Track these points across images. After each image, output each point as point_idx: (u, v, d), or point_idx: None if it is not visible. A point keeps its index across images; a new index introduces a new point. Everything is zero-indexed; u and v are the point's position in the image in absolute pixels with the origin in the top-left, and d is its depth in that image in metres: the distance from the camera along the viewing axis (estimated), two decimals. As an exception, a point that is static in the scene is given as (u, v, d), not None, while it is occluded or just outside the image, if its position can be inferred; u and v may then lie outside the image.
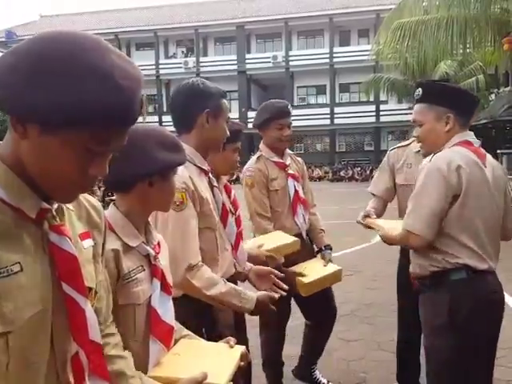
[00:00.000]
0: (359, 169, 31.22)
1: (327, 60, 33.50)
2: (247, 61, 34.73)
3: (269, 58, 34.16)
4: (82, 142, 0.86)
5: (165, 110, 35.23)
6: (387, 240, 2.34)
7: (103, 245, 1.16)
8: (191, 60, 35.39)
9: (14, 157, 0.90)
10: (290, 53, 34.30)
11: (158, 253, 1.46)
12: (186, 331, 1.59)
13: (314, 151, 35.72)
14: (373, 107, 32.48)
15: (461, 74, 20.85)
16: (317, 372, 3.38)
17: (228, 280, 1.95)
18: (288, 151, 3.23)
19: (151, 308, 1.41)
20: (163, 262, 1.49)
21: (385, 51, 15.97)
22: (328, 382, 3.36)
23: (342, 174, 30.61)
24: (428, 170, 2.11)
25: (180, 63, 35.50)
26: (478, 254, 2.06)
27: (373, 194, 3.07)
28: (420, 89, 2.25)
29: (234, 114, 32.91)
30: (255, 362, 2.78)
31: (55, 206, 0.97)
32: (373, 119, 32.70)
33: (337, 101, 34.33)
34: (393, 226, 2.37)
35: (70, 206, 1.04)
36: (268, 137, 3.09)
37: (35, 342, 0.91)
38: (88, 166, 0.89)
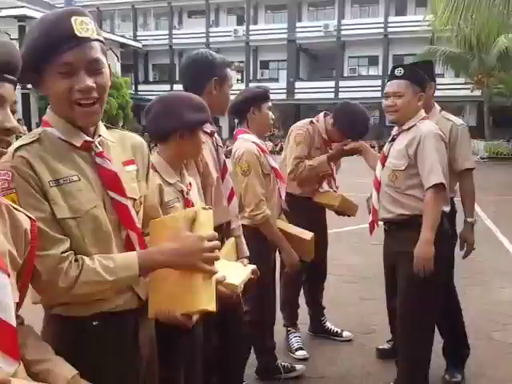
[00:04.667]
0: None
1: (381, 30, 32.45)
2: (297, 29, 34.07)
3: (320, 26, 33.39)
4: None
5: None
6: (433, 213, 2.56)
7: (147, 173, 1.58)
8: (241, 28, 35.09)
9: None
10: (343, 22, 33.39)
11: (189, 190, 1.89)
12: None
13: (362, 124, 34.99)
14: (427, 80, 31.36)
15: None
16: (327, 323, 3.76)
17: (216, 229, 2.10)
18: None
19: None
20: (194, 196, 1.92)
21: (441, 22, 15.30)
22: (342, 330, 3.71)
23: (390, 148, 30.00)
24: (429, 137, 2.60)
25: (230, 31, 35.28)
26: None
27: None
28: (402, 69, 2.73)
29: (281, 84, 32.62)
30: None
31: (97, 139, 1.39)
32: (426, 92, 31.61)
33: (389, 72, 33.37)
34: None
35: (113, 140, 1.46)
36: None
37: (99, 226, 1.35)
38: None
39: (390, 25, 32.12)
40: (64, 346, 1.29)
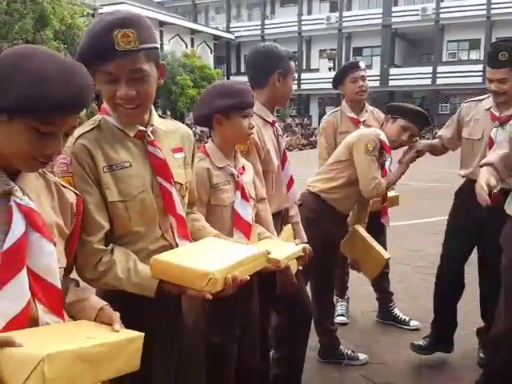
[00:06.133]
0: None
1: (484, 12, 30.42)
2: (393, 14, 32.87)
3: (417, 10, 31.97)
4: (31, 126, 1.11)
5: (304, 67, 35.18)
6: None
7: (192, 160, 1.72)
8: (334, 15, 34.54)
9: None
10: (442, 4, 31.70)
11: (241, 173, 2.02)
12: (268, 234, 2.13)
13: (461, 112, 33.20)
14: (534, 64, 29.06)
15: None
16: (395, 310, 3.79)
17: (276, 215, 2.35)
18: (369, 107, 3.71)
19: (234, 210, 1.97)
20: (246, 179, 2.03)
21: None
22: (409, 319, 3.71)
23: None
24: None
25: (322, 19, 34.87)
26: None
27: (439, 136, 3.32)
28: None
29: (374, 71, 31.74)
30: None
31: (150, 128, 1.53)
32: (533, 77, 29.31)
33: (492, 57, 31.29)
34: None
35: (164, 129, 1.59)
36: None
37: (146, 209, 1.50)
38: (42, 147, 1.14)
39: (493, 6, 29.99)
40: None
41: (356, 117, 3.61)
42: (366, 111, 3.68)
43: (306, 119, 33.58)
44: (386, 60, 32.67)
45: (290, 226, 2.42)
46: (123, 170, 1.47)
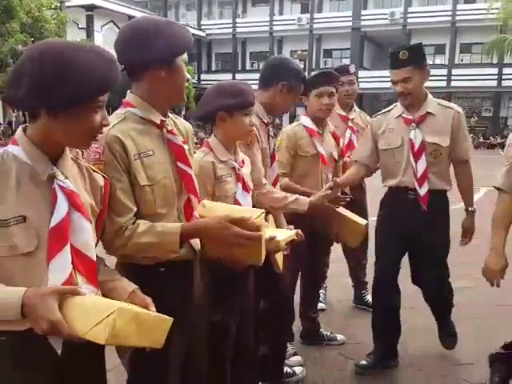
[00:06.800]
0: (472, 135, 29.47)
1: (449, 18, 31.41)
2: (362, 17, 33.61)
3: (386, 14, 32.79)
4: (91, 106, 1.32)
5: (275, 66, 35.43)
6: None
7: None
8: (305, 16, 34.99)
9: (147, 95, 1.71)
10: (409, 9, 32.59)
11: (241, 166, 2.21)
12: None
13: (426, 115, 34.03)
14: (495, 70, 30.18)
15: None
16: (368, 297, 4.04)
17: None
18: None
19: (236, 200, 2.16)
20: (245, 171, 2.23)
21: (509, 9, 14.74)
22: None
23: (452, 140, 28.98)
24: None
25: (293, 20, 35.26)
26: None
27: (355, 161, 3.23)
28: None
29: (344, 73, 32.16)
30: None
31: (167, 120, 1.73)
32: (494, 83, 30.45)
33: (456, 62, 32.29)
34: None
35: (175, 121, 1.82)
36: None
37: (167, 192, 1.70)
38: (101, 120, 1.36)
39: (458, 12, 31.02)
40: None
41: (345, 114, 3.84)
42: (355, 111, 3.96)
43: (277, 119, 33.80)
44: (355, 62, 33.22)
45: (270, 215, 2.59)
46: (147, 158, 1.65)
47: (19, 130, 1.36)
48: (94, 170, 1.50)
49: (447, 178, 3.01)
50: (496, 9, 19.82)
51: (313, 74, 3.19)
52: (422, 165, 2.92)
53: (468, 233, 3.11)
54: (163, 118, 1.71)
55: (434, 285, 3.14)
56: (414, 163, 2.93)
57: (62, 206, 1.31)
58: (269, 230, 2.20)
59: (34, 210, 1.29)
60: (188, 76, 1.78)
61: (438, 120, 2.93)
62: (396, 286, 3.17)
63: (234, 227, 1.63)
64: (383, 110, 3.19)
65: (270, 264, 2.23)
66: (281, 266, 2.04)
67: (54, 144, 1.34)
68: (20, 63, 1.29)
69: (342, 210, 3.06)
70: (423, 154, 2.92)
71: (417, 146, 2.92)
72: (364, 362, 3.18)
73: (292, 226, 2.44)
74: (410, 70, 2.83)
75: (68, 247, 1.31)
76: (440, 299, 3.27)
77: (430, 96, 3.01)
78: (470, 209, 3.10)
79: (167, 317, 1.36)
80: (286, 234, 2.21)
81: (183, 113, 26.06)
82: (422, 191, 2.93)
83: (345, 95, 3.78)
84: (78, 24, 23.57)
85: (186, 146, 1.79)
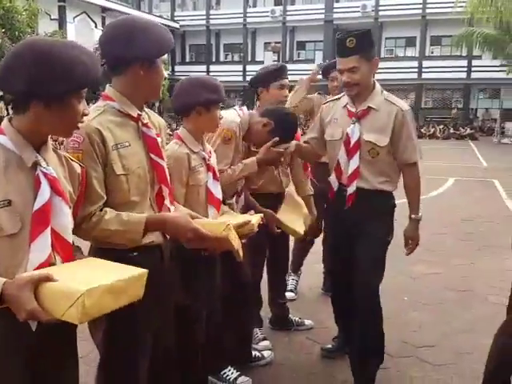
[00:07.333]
0: (442, 126, 30.08)
1: (420, 11, 31.84)
2: (335, 10, 33.77)
3: (358, 7, 32.95)
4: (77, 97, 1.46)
5: (249, 59, 35.48)
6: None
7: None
8: (278, 9, 35.00)
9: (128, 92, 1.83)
10: (381, 2, 32.81)
11: (210, 157, 2.34)
12: (227, 209, 2.52)
13: (398, 106, 34.51)
14: (464, 62, 30.77)
15: None
16: None
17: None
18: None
19: (207, 188, 2.32)
20: (213, 161, 2.37)
21: (478, 3, 15.10)
22: None
23: (422, 130, 29.40)
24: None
25: (267, 12, 35.25)
26: None
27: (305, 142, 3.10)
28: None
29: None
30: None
31: (143, 113, 1.84)
32: (463, 75, 31.03)
33: (426, 54, 32.80)
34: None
35: (149, 114, 1.93)
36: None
37: (141, 182, 1.81)
38: (83, 110, 1.49)
39: (428, 5, 31.45)
40: None
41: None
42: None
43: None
44: (328, 55, 33.47)
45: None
46: (124, 149, 1.77)
47: (5, 121, 1.46)
48: (71, 159, 1.60)
49: (391, 178, 2.79)
50: (463, 2, 20.27)
51: (271, 67, 3.26)
52: (354, 163, 2.73)
53: (411, 242, 2.85)
54: (139, 112, 1.83)
55: (362, 292, 2.76)
56: (346, 160, 2.77)
57: (45, 191, 1.41)
58: (232, 216, 2.35)
59: (19, 194, 1.39)
60: (165, 75, 1.90)
61: (380, 117, 2.72)
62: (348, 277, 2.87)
63: (193, 223, 1.78)
64: (334, 97, 3.06)
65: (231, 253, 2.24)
66: (241, 255, 2.13)
67: (39, 134, 1.46)
68: (12, 60, 1.39)
69: (282, 215, 3.09)
70: (358, 151, 2.72)
71: (352, 142, 2.73)
72: (329, 346, 3.34)
73: (253, 211, 2.48)
74: (357, 58, 2.65)
75: (49, 230, 1.42)
76: (368, 320, 2.82)
77: (377, 88, 2.80)
78: (413, 216, 2.83)
79: (141, 270, 1.44)
80: (254, 217, 2.28)
81: (157, 105, 25.99)
82: (350, 190, 2.77)
83: (336, 89, 3.92)
84: (50, 15, 23.09)
85: (159, 139, 1.90)
